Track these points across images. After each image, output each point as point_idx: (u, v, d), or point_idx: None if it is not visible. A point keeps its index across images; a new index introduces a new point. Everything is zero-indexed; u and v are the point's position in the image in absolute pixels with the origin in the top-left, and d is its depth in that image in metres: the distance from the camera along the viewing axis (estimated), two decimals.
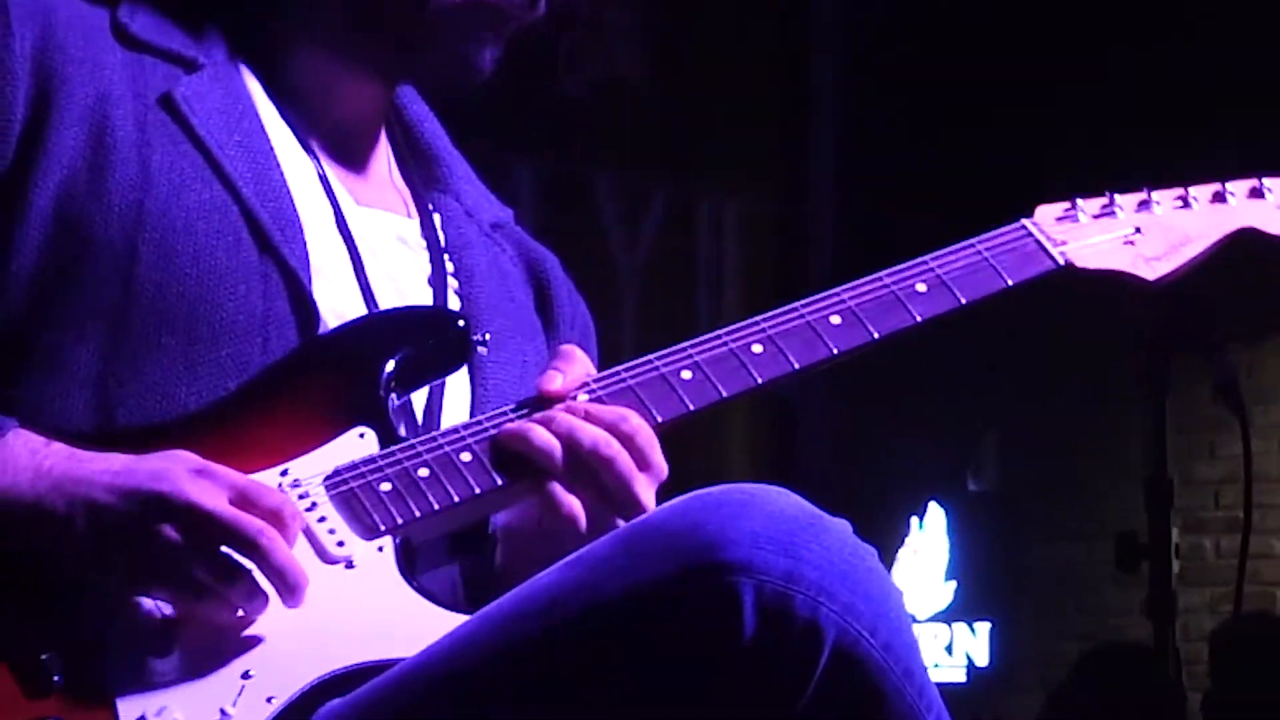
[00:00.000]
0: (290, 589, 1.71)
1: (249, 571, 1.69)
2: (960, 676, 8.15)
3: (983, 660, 8.34)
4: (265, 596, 1.71)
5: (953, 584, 8.51)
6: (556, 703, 1.60)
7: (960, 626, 8.42)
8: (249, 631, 1.71)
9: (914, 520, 8.56)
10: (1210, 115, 7.06)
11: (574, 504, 1.80)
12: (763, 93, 7.89)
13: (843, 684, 1.55)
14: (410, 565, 1.80)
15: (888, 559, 8.57)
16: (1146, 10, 7.42)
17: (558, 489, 1.80)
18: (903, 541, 8.51)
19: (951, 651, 8.34)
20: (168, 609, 1.70)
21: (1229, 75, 7.22)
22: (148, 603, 1.70)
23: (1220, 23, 7.29)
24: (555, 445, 1.80)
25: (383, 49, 2.00)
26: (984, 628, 8.42)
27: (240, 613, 1.70)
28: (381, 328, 1.91)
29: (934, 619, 8.36)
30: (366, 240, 1.97)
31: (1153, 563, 3.12)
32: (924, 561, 8.53)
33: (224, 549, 1.68)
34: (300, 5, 2.00)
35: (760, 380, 1.92)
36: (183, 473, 1.69)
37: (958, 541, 8.56)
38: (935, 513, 8.58)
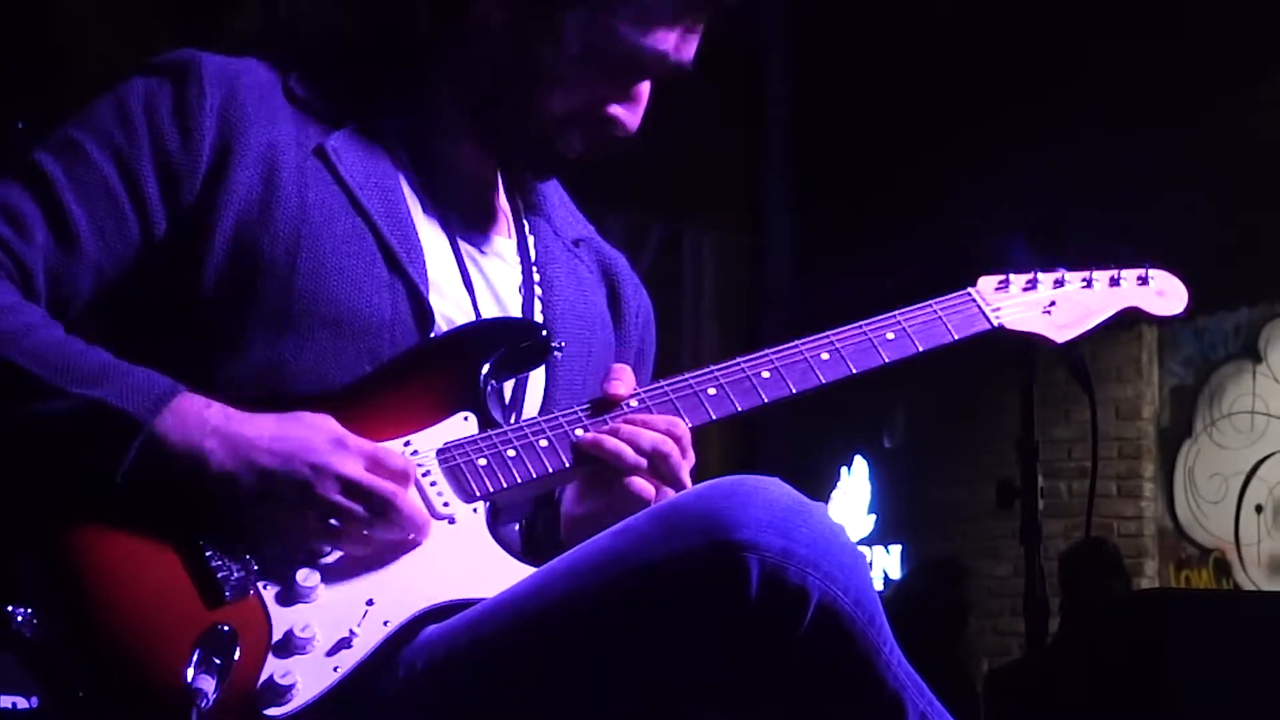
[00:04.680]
0: (418, 529, 1.71)
1: (379, 521, 1.69)
2: (879, 586, 8.17)
3: (895, 574, 8.36)
4: (389, 540, 1.70)
5: (873, 517, 8.53)
6: (604, 638, 1.60)
7: (879, 549, 8.44)
8: (374, 568, 1.70)
9: (843, 469, 8.57)
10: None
11: (646, 488, 1.82)
12: (730, 150, 7.89)
13: (824, 630, 1.56)
14: (495, 522, 1.80)
15: (824, 498, 8.62)
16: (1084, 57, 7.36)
17: (633, 479, 1.81)
18: (836, 485, 8.52)
19: (871, 567, 8.37)
20: (313, 546, 1.70)
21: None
22: (296, 541, 1.69)
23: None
24: (624, 449, 1.81)
25: (489, 142, 1.96)
26: (896, 549, 8.44)
27: (371, 550, 1.70)
28: (483, 333, 1.89)
29: (858, 543, 8.34)
30: (472, 259, 1.95)
31: (1024, 502, 3.11)
32: (851, 500, 8.55)
33: (360, 506, 1.68)
34: (432, 81, 1.95)
35: (766, 400, 1.92)
36: (324, 443, 1.68)
37: (876, 485, 8.57)
38: (859, 464, 8.59)
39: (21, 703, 2.68)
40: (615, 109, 1.92)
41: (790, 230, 7.82)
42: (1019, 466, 3.16)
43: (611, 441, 1.81)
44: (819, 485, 8.37)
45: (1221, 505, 7.83)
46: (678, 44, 1.91)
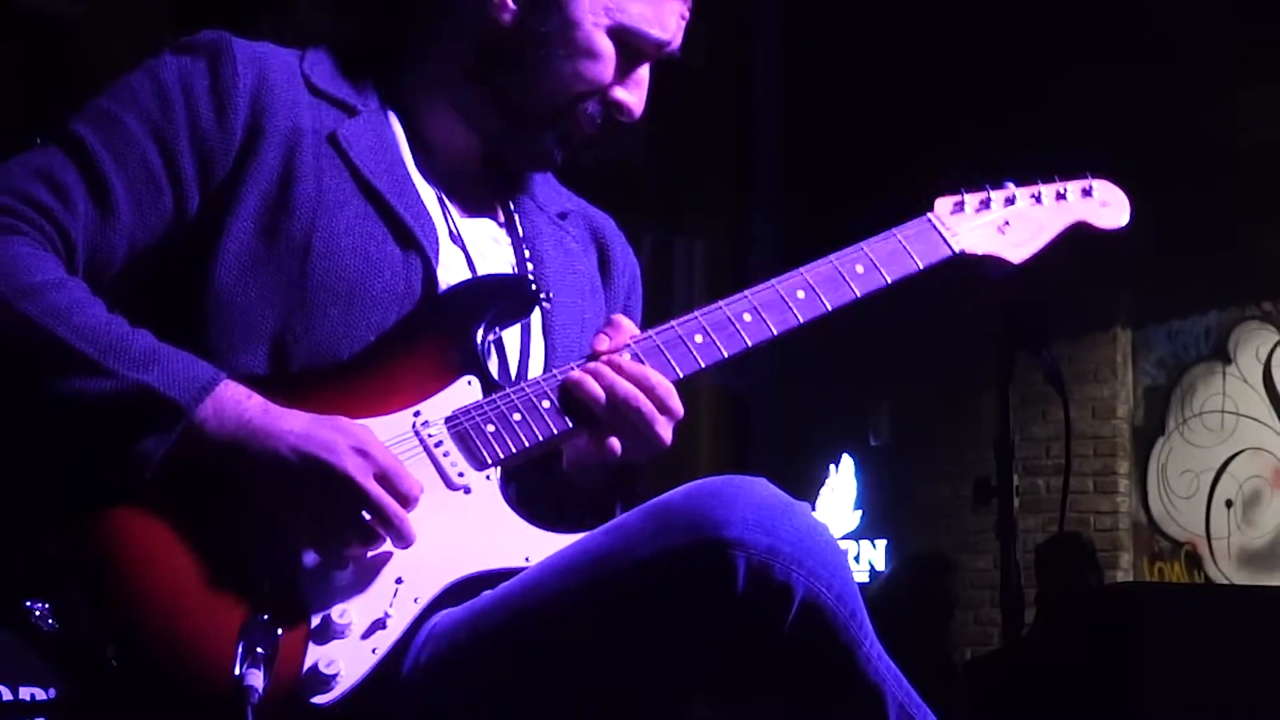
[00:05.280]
0: (405, 546, 1.69)
1: (377, 533, 1.68)
2: (864, 578, 8.18)
3: (880, 566, 8.36)
4: (372, 548, 1.69)
5: (859, 512, 8.52)
6: (595, 633, 1.61)
7: (865, 543, 8.44)
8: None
9: (831, 467, 8.57)
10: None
11: (613, 439, 1.80)
12: (721, 164, 7.92)
13: (808, 624, 1.56)
14: (505, 485, 1.79)
15: (812, 495, 8.61)
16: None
17: (601, 428, 1.80)
18: (824, 482, 8.52)
19: (859, 560, 8.36)
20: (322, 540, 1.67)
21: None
22: (309, 534, 1.67)
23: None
24: (601, 393, 1.80)
25: (492, 130, 1.96)
26: (881, 543, 8.44)
27: (364, 551, 1.68)
28: (474, 292, 1.87)
29: (845, 538, 8.37)
30: (471, 240, 1.94)
31: (999, 499, 3.13)
32: (838, 496, 8.54)
33: (364, 514, 1.67)
34: (434, 72, 1.96)
35: (750, 344, 1.89)
36: (346, 448, 1.67)
37: (862, 482, 8.56)
38: (846, 462, 8.58)
39: (39, 694, 2.68)
40: (619, 93, 1.93)
41: (779, 238, 7.82)
42: (996, 465, 3.18)
43: (590, 384, 1.80)
44: (808, 483, 8.37)
45: (1193, 501, 7.85)
46: (675, 31, 1.94)
